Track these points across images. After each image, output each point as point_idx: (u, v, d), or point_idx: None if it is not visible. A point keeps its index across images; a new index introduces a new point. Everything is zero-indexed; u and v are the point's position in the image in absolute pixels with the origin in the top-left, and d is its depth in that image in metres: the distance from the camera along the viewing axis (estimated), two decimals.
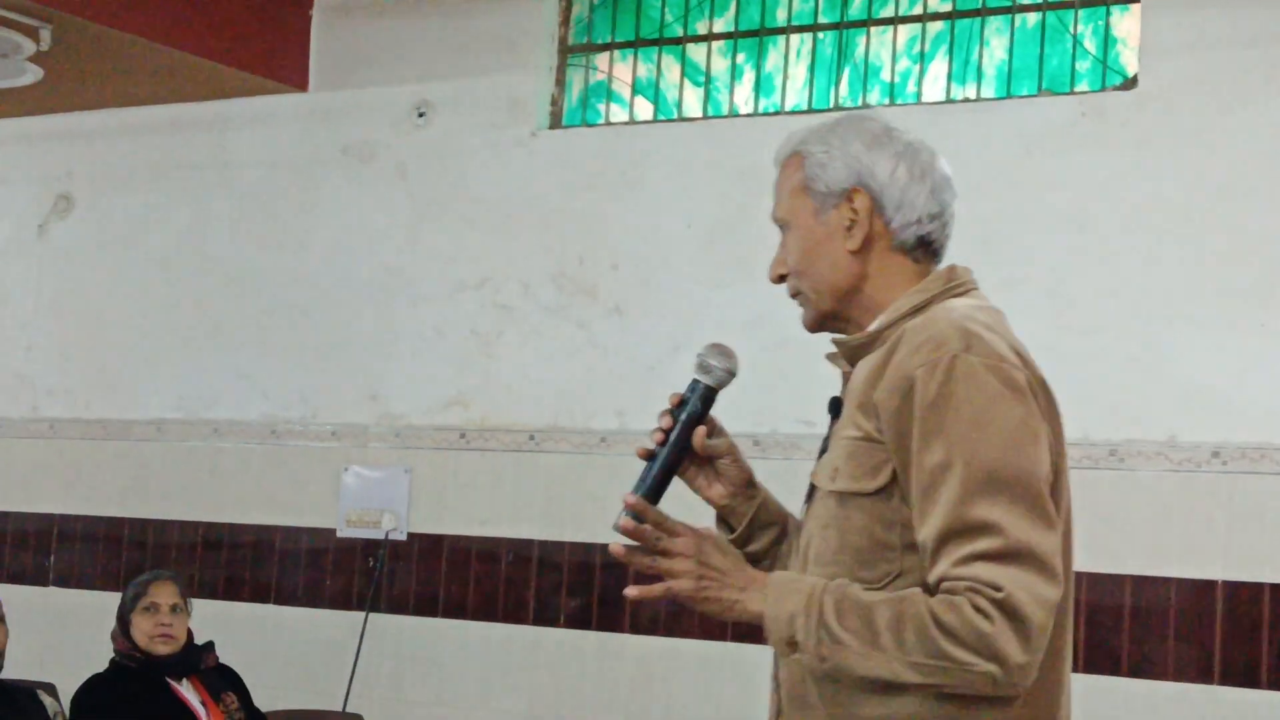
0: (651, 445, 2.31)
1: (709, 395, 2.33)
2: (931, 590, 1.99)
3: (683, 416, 2.31)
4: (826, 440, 2.25)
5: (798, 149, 2.27)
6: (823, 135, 2.26)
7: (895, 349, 2.11)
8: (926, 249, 2.25)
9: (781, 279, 2.31)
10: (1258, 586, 4.46)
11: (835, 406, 2.25)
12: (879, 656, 2.00)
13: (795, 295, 2.30)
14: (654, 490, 2.28)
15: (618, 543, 2.16)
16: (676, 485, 2.34)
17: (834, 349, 2.29)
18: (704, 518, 2.31)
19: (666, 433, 2.31)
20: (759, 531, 2.43)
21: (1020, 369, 2.07)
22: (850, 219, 2.22)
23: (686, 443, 2.31)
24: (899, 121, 2.29)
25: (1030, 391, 2.06)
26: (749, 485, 2.43)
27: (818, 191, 2.23)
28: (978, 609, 1.94)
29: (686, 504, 2.34)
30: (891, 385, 2.08)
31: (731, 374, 2.33)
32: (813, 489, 2.24)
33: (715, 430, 2.37)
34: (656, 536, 2.14)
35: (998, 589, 1.94)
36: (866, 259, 2.23)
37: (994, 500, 1.98)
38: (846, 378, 2.25)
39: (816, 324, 2.30)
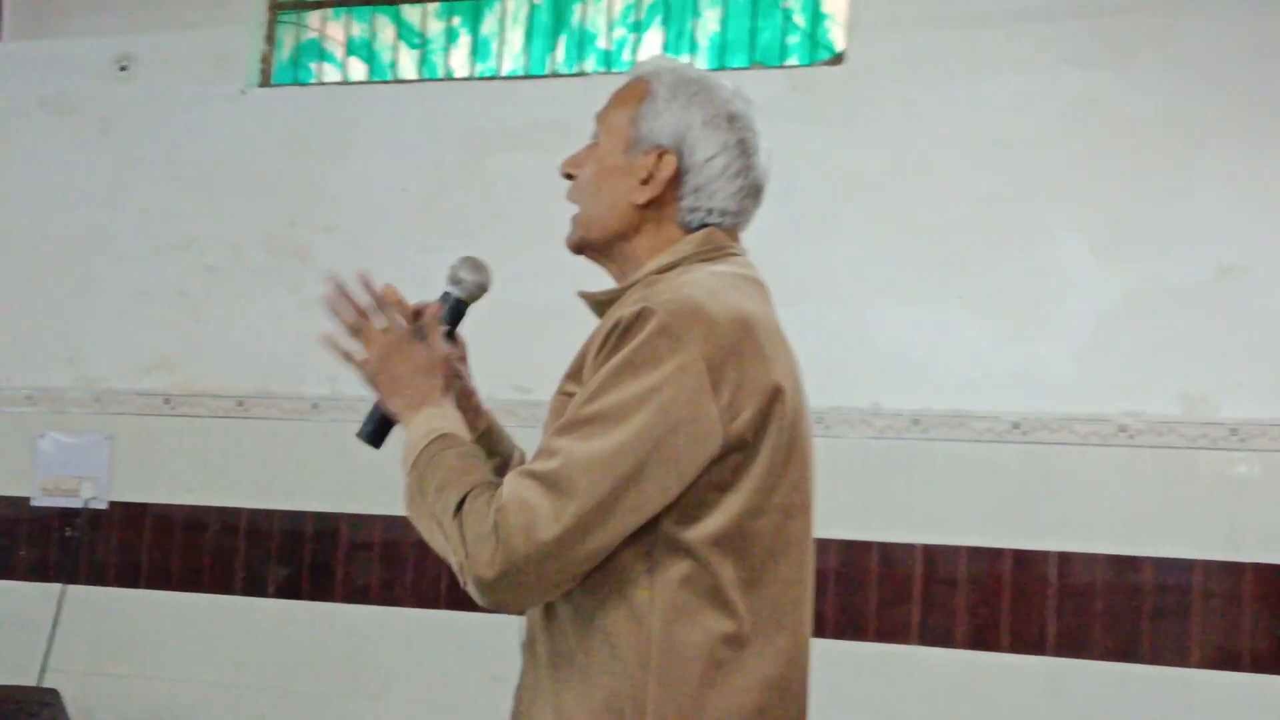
0: None
1: (458, 307, 2.34)
2: None
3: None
4: None
5: (650, 81, 2.24)
6: (675, 85, 2.23)
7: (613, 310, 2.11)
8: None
9: (569, 178, 2.30)
10: (954, 549, 4.64)
11: None
12: (418, 498, 2.08)
13: (571, 201, 2.29)
14: None
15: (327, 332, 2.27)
16: None
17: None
18: None
19: None
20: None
21: (698, 342, 2.00)
22: (648, 174, 2.20)
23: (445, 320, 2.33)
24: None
25: (703, 365, 2.00)
26: (473, 409, 2.42)
27: (639, 131, 2.22)
28: (488, 508, 1.97)
29: None
30: (594, 340, 2.09)
31: (483, 288, 2.33)
32: None
33: (458, 345, 2.39)
34: (358, 313, 2.29)
35: (501, 501, 1.96)
36: (645, 216, 2.22)
37: (578, 436, 1.97)
38: None
39: (576, 247, 2.30)
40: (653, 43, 5.27)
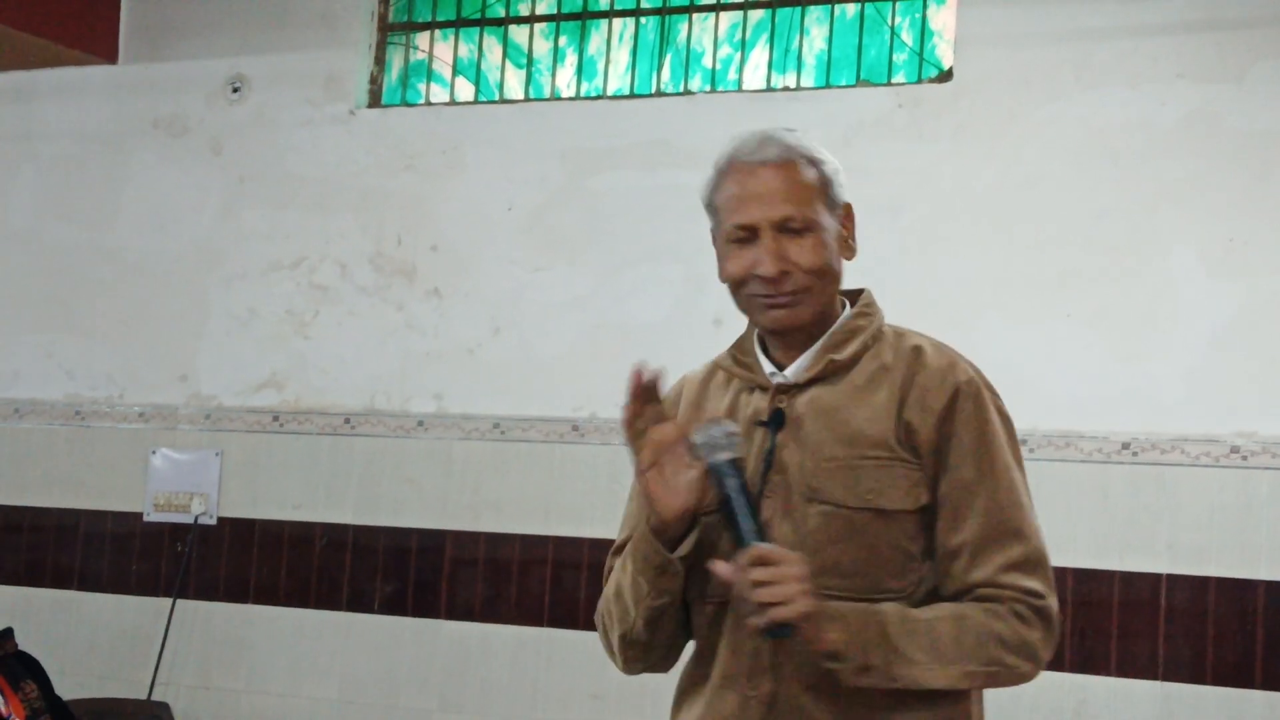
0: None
1: (731, 470, 2.23)
2: (966, 589, 2.21)
3: (732, 491, 2.20)
4: (771, 453, 2.27)
5: (809, 156, 2.33)
6: (818, 149, 2.36)
7: (898, 370, 2.29)
8: None
9: (784, 275, 2.31)
10: (1062, 571, 4.56)
11: (779, 419, 2.27)
12: (943, 669, 2.17)
13: (793, 293, 2.30)
14: (749, 533, 2.19)
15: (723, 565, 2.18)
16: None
17: (735, 358, 2.40)
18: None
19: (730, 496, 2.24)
20: (684, 541, 2.37)
21: None
22: (847, 232, 2.38)
23: (742, 488, 2.22)
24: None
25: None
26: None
27: (834, 200, 2.35)
28: (1020, 616, 2.19)
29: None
30: (925, 405, 2.26)
31: (732, 436, 2.24)
32: (783, 497, 2.25)
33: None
34: (759, 576, 2.12)
35: (1039, 597, 2.21)
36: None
37: (1021, 513, 2.26)
38: (769, 391, 2.31)
39: (806, 325, 2.35)
40: (759, 61, 5.26)
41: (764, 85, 5.23)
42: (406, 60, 5.76)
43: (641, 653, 2.36)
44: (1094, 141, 4.71)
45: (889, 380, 2.29)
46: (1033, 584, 2.21)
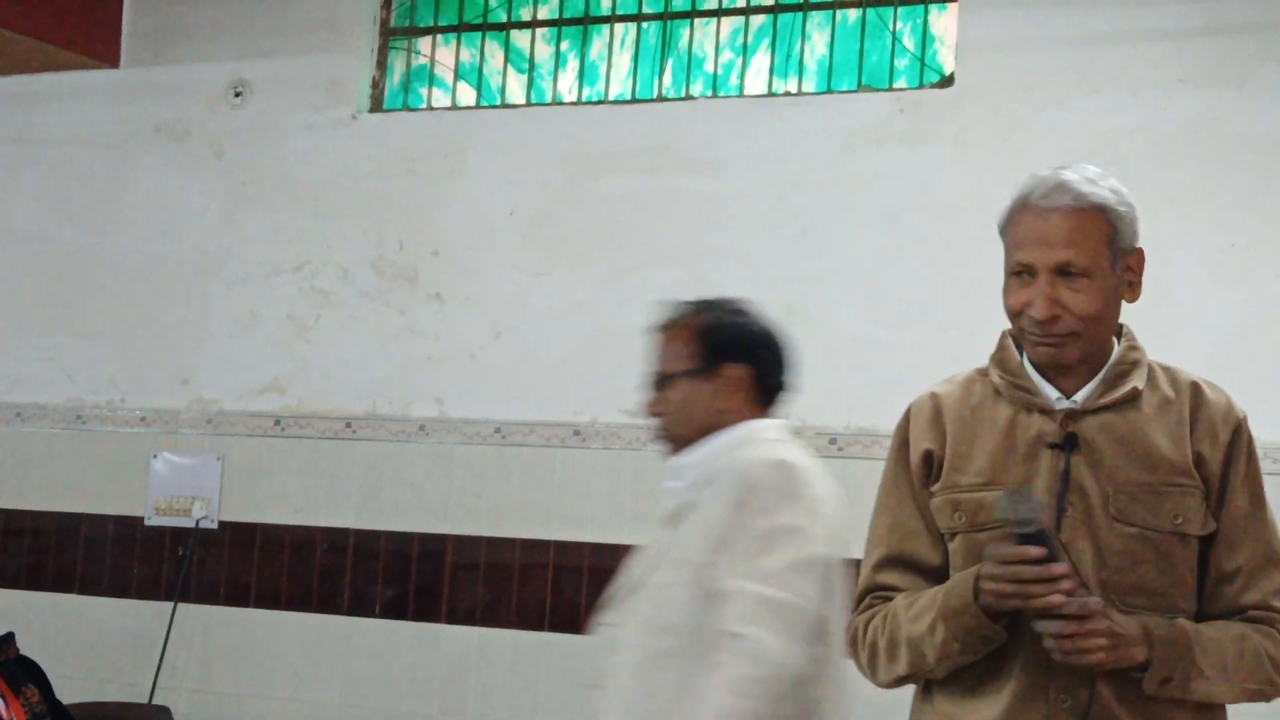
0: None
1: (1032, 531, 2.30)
2: (1238, 610, 2.39)
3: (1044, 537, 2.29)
4: (1067, 474, 2.37)
5: (1100, 204, 2.41)
6: (1119, 192, 2.44)
7: (1182, 403, 2.43)
8: None
9: (1055, 319, 2.42)
10: None
11: (1073, 441, 2.39)
12: (1228, 686, 2.36)
13: (1061, 335, 2.41)
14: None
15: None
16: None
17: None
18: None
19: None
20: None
21: None
22: (1132, 276, 2.45)
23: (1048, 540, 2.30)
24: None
25: None
26: None
27: (1120, 247, 2.42)
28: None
29: None
30: (1214, 438, 2.42)
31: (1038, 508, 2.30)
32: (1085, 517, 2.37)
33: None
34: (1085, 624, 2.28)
35: None
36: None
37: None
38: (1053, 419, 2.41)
39: (1074, 364, 2.44)
40: (760, 66, 5.26)
41: (766, 90, 5.23)
42: (408, 65, 5.76)
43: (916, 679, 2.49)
44: (1095, 147, 4.71)
45: (1175, 412, 2.43)
46: None
